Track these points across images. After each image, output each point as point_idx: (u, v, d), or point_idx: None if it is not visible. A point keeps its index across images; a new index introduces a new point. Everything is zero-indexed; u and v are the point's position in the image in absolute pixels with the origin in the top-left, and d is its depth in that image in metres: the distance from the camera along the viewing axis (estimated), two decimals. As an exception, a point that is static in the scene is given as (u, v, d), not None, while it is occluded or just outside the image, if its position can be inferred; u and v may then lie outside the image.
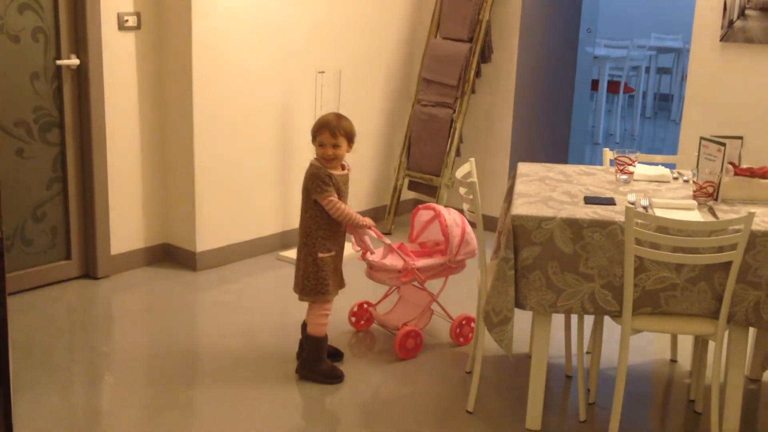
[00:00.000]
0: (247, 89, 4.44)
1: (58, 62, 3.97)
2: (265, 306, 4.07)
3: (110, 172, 4.18)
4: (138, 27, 4.16)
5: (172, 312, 3.95)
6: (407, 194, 5.42)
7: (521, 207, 2.81)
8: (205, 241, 4.39)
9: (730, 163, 3.03)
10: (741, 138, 3.11)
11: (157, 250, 4.47)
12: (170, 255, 4.49)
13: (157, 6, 4.21)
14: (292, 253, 4.63)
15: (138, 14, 4.15)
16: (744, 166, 3.07)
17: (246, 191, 4.54)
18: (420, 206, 3.67)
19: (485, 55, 5.03)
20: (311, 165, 3.22)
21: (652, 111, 9.81)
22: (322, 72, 4.65)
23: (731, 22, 4.34)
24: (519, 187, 3.09)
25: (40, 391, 3.11)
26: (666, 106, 10.01)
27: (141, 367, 3.42)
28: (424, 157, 5.09)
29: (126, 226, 4.31)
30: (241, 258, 4.57)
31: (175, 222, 4.45)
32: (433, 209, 3.58)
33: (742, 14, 4.30)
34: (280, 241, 4.75)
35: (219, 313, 3.94)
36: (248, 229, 4.59)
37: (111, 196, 4.21)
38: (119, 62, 4.13)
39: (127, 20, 4.10)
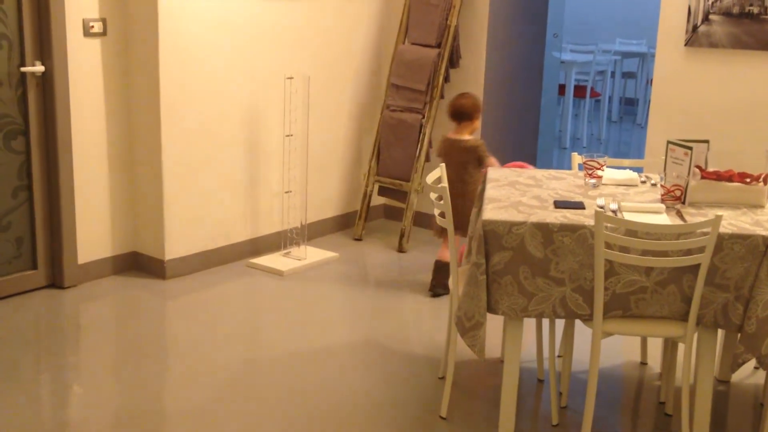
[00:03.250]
0: (215, 95, 4.41)
1: (23, 69, 3.91)
2: (236, 313, 4.04)
3: (76, 180, 4.13)
4: (104, 33, 4.11)
5: (141, 321, 3.91)
6: (377, 200, 5.42)
7: (492, 212, 2.81)
8: (174, 248, 4.35)
9: (697, 166, 3.07)
10: (707, 142, 3.15)
11: (125, 258, 4.42)
12: (138, 263, 4.44)
13: (123, 12, 4.17)
14: (262, 260, 4.61)
15: (104, 20, 4.10)
16: (710, 169, 3.10)
17: (215, 198, 4.51)
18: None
19: (453, 61, 5.05)
20: (467, 140, 4.07)
21: (618, 115, 9.92)
22: (291, 78, 4.64)
23: (695, 27, 4.40)
24: (489, 192, 3.10)
25: (7, 403, 3.05)
26: (631, 110, 10.13)
27: (110, 377, 3.37)
28: (394, 162, 5.10)
29: (93, 234, 4.25)
30: (211, 266, 4.53)
31: (143, 230, 4.40)
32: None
33: (706, 19, 4.37)
34: (250, 248, 4.72)
35: (189, 322, 3.90)
36: (217, 236, 4.56)
37: (77, 205, 4.15)
38: (85, 69, 4.08)
39: (92, 26, 4.05)
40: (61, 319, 3.94)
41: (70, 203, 4.12)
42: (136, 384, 3.27)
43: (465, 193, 4.01)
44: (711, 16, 4.34)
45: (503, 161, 5.24)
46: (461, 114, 4.10)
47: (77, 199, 4.14)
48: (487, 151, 4.08)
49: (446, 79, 5.04)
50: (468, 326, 2.77)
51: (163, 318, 4.04)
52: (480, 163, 4.08)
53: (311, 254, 4.72)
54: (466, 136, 4.11)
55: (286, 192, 4.80)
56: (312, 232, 4.95)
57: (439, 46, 4.98)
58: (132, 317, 3.96)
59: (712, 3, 4.32)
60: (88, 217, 4.21)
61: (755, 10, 4.22)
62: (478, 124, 4.16)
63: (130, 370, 3.40)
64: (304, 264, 4.60)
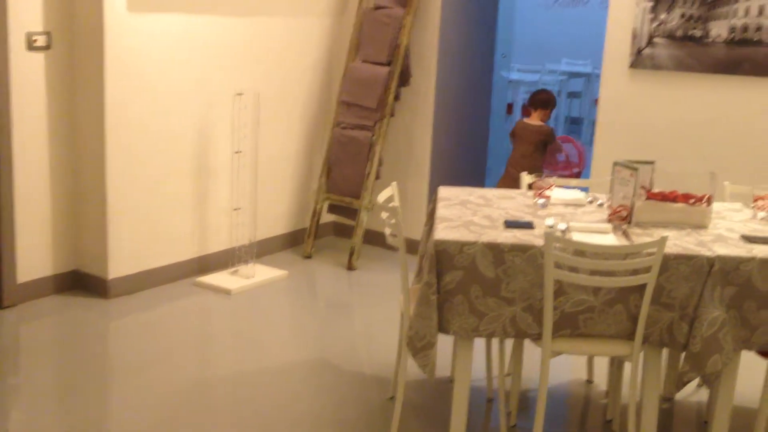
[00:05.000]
0: (162, 111, 4.34)
1: (-38, 82, 3.80)
2: (182, 334, 3.96)
3: (17, 197, 4.01)
4: (48, 47, 4.02)
5: (84, 342, 3.81)
6: (327, 217, 5.39)
7: (443, 231, 2.82)
8: (118, 267, 4.25)
9: (643, 187, 3.12)
10: (653, 163, 3.21)
11: (67, 277, 4.31)
12: (81, 282, 4.33)
13: (68, 25, 4.09)
14: (208, 278, 4.54)
15: (48, 33, 4.01)
16: (656, 190, 3.16)
17: (161, 215, 4.43)
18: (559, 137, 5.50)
19: (404, 79, 5.07)
20: (539, 125, 5.11)
21: (563, 133, 10.07)
22: (240, 94, 4.60)
23: (640, 50, 4.50)
24: (440, 211, 3.11)
25: (-60, 430, 2.93)
26: (576, 129, 10.30)
27: (51, 399, 3.27)
28: (344, 179, 5.08)
29: (33, 252, 4.14)
30: (156, 284, 4.44)
31: (86, 247, 4.29)
32: (568, 139, 5.74)
33: (650, 42, 4.46)
34: (197, 266, 4.65)
35: (133, 343, 3.82)
36: (163, 254, 4.47)
37: (17, 222, 4.03)
38: (28, 83, 3.98)
39: (36, 40, 3.96)
40: (0, 340, 3.81)
41: (10, 221, 4.00)
42: (80, 408, 3.17)
43: (524, 167, 4.76)
44: (655, 39, 4.45)
45: (455, 178, 5.30)
46: (539, 102, 5.13)
47: (17, 217, 4.03)
48: (554, 137, 5.15)
49: (397, 97, 5.06)
50: (419, 346, 2.76)
51: (107, 339, 3.94)
52: (545, 146, 5.10)
53: (260, 272, 4.67)
54: (538, 122, 5.13)
55: (235, 209, 4.75)
56: (261, 250, 4.90)
57: (389, 64, 5.00)
58: (74, 338, 3.85)
59: (657, 26, 4.43)
60: (28, 234, 4.10)
61: (698, 33, 4.34)
62: (549, 115, 5.19)
63: (73, 393, 3.30)
64: (252, 282, 4.54)
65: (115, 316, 4.10)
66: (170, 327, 4.00)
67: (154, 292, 4.38)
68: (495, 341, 3.35)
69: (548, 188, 3.27)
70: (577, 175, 5.47)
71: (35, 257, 4.15)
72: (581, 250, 2.68)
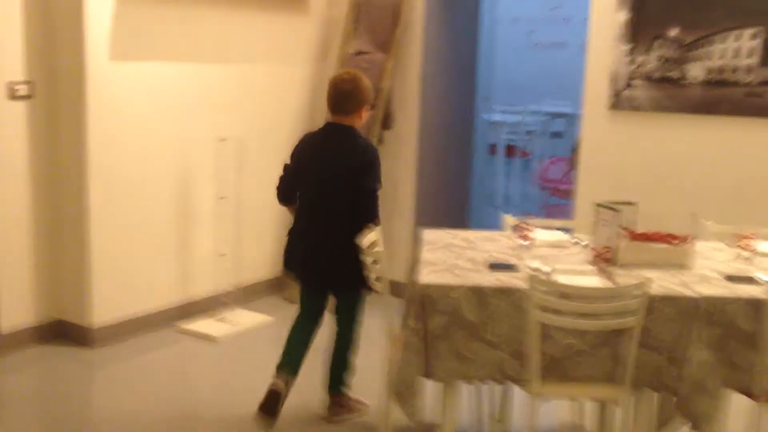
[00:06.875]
0: (145, 158, 4.34)
1: (-57, 132, 3.79)
2: (168, 383, 3.91)
3: (-1, 247, 3.99)
4: (30, 96, 4.03)
5: (67, 393, 3.75)
6: (312, 261, 5.37)
7: (428, 276, 2.81)
8: (102, 315, 4.21)
9: (626, 228, 3.13)
10: (635, 204, 3.23)
11: (50, 327, 4.25)
12: (64, 332, 4.27)
13: (50, 74, 4.09)
14: (193, 325, 4.50)
15: (30, 83, 4.02)
16: (638, 231, 3.17)
17: (145, 262, 4.40)
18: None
19: (387, 123, 5.10)
20: None
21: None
22: (224, 140, 4.61)
23: (619, 92, 4.56)
24: (425, 255, 3.10)
25: None
26: (560, 168, 10.36)
27: (31, 455, 3.21)
28: (329, 223, 5.07)
29: (15, 302, 4.09)
30: (141, 332, 4.39)
31: (68, 296, 4.25)
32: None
33: (629, 84, 4.52)
34: (182, 313, 4.61)
35: (118, 393, 3.76)
36: (147, 301, 4.44)
37: (-1, 272, 4.00)
38: (10, 132, 3.97)
39: (18, 89, 3.96)
40: (-20, 392, 3.75)
41: (-8, 270, 3.97)
42: (60, 461, 3.11)
43: None
44: (633, 81, 4.51)
45: (439, 219, 5.29)
46: None
47: (-1, 266, 4.00)
48: None
49: (380, 141, 5.08)
50: (405, 393, 2.73)
51: (91, 389, 3.88)
52: None
53: (245, 318, 4.63)
54: None
55: (220, 255, 4.72)
56: (246, 295, 4.87)
57: (372, 108, 5.03)
58: (58, 389, 3.79)
59: (635, 68, 4.49)
60: (9, 284, 4.06)
61: (675, 75, 4.40)
62: None
63: (53, 446, 3.24)
64: (237, 329, 4.50)
65: (98, 366, 4.04)
66: (155, 376, 3.95)
67: (139, 340, 4.34)
68: (484, 385, 3.32)
69: (532, 230, 3.28)
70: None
71: (17, 307, 4.11)
72: (566, 293, 2.67)
